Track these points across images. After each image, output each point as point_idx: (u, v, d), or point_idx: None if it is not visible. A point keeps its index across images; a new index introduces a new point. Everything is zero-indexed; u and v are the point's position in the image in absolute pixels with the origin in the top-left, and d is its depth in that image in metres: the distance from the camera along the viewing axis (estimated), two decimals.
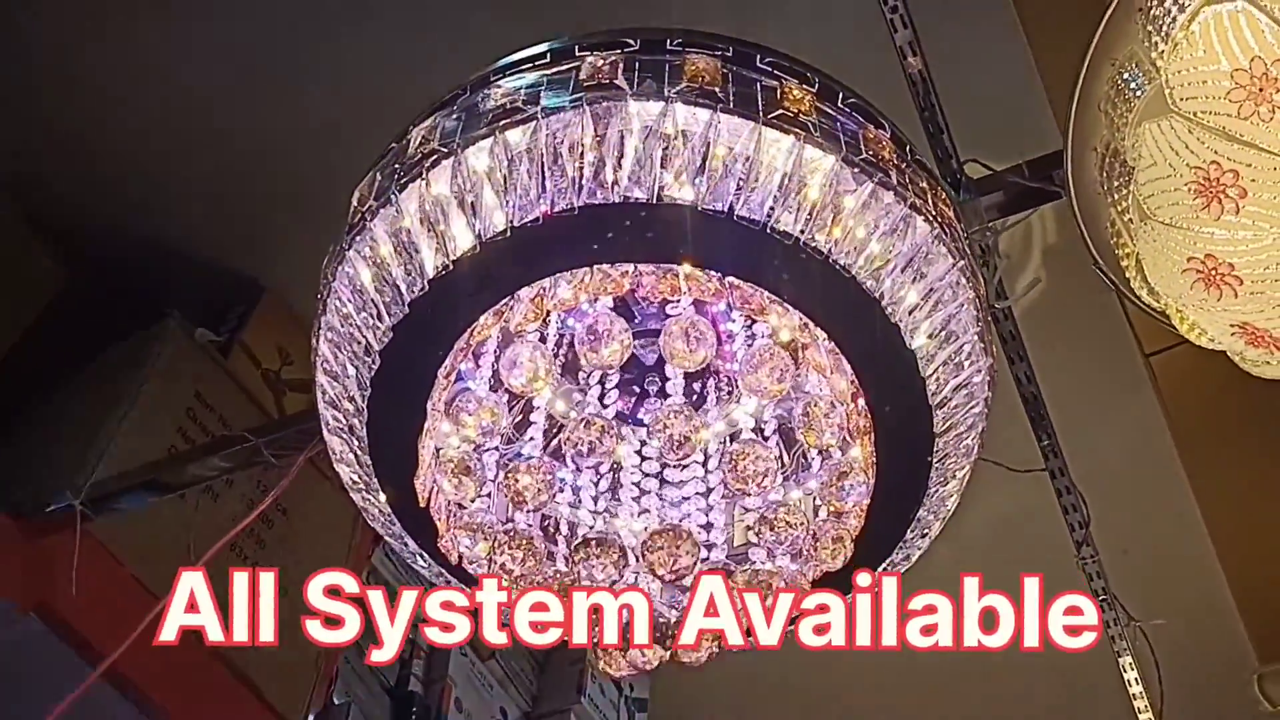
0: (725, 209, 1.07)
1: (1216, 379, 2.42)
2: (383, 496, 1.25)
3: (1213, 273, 1.13)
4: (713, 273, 1.09)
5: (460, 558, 1.21)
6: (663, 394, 1.18)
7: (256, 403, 2.29)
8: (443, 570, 1.32)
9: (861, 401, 1.16)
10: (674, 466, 1.15)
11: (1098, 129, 1.21)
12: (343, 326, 1.18)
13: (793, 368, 1.08)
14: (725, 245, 1.08)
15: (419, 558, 1.32)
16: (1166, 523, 2.71)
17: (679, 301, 1.13)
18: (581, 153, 1.07)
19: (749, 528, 1.13)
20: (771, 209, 1.07)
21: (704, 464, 1.26)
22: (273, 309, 2.51)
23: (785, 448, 1.25)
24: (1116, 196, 1.21)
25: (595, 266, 1.09)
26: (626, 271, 1.09)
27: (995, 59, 1.93)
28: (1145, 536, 2.70)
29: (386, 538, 1.32)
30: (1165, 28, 1.10)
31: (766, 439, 1.19)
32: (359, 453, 1.23)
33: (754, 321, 1.15)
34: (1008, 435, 1.53)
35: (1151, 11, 1.12)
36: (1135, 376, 2.56)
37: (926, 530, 1.29)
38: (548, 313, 1.11)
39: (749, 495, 1.09)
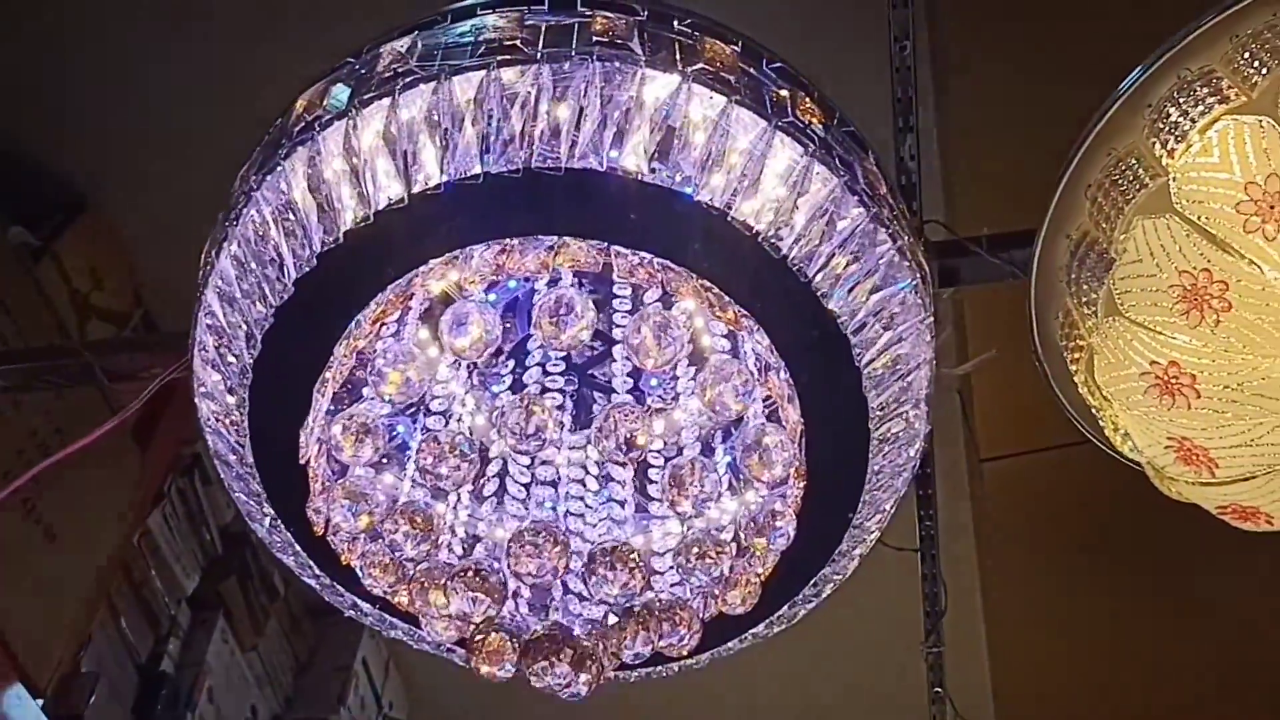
0: (720, 208, 0.98)
1: (1043, 497, 2.49)
2: (248, 445, 1.09)
3: (1172, 381, 1.11)
4: (697, 278, 1.00)
5: (328, 525, 1.06)
6: (607, 389, 1.07)
7: (58, 320, 2.04)
8: (292, 540, 1.17)
9: (803, 445, 1.09)
10: (617, 465, 1.04)
11: (1078, 215, 1.19)
12: (257, 242, 1.02)
13: (756, 390, 0.99)
14: (726, 253, 1.00)
15: (268, 520, 1.16)
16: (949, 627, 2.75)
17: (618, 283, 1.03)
18: (581, 110, 0.97)
19: (674, 552, 1.03)
20: (771, 222, 0.99)
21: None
22: (93, 226, 2.26)
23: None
24: (1085, 286, 1.18)
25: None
26: (554, 246, 0.98)
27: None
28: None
29: (233, 489, 1.15)
30: (1180, 128, 1.08)
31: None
32: (237, 386, 1.06)
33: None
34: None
35: (1165, 109, 1.10)
36: (957, 480, 2.60)
37: (823, 590, 1.22)
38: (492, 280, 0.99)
39: (684, 516, 1.00)
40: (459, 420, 1.09)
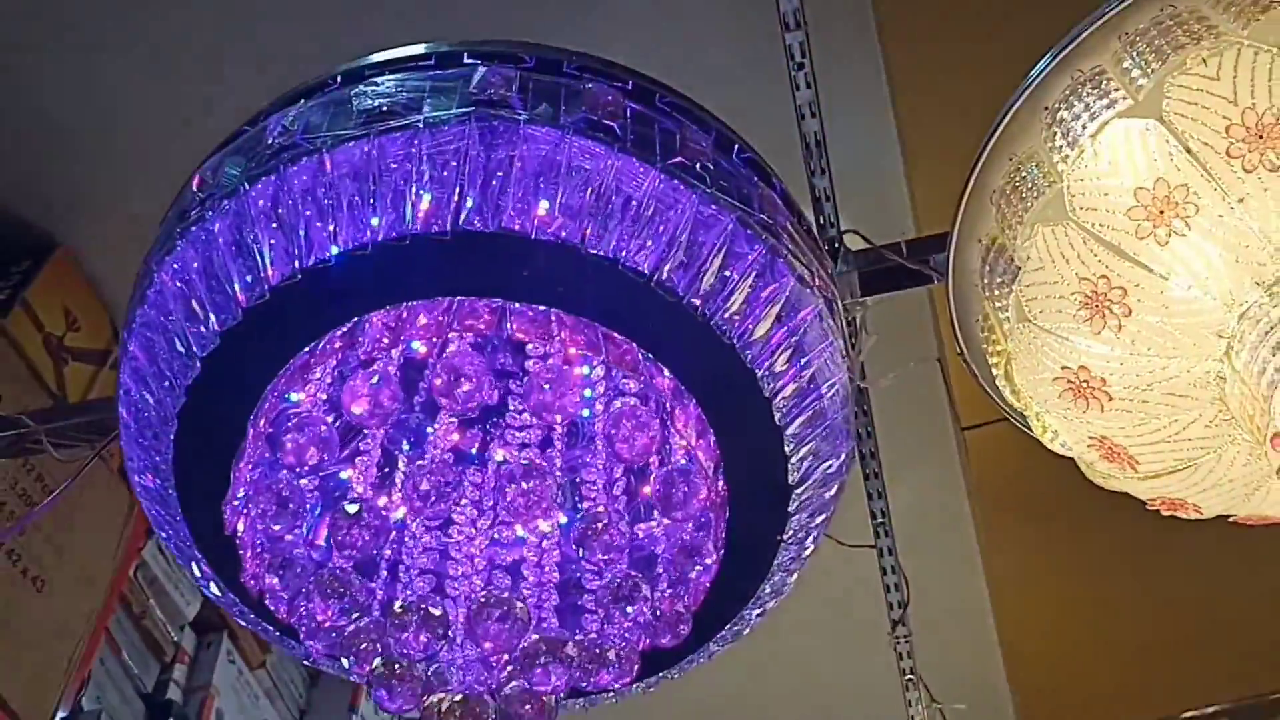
0: (611, 256, 0.99)
1: (1028, 462, 2.49)
2: (182, 520, 1.11)
3: (1084, 385, 1.11)
4: (588, 320, 1.01)
5: (264, 596, 1.09)
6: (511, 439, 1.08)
7: (34, 370, 2.07)
8: (236, 600, 1.19)
9: (720, 477, 1.10)
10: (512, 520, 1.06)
11: (986, 220, 1.19)
12: (161, 326, 1.04)
13: (659, 436, 1.01)
14: (606, 293, 1.01)
15: (212, 585, 1.19)
16: (956, 596, 2.77)
17: (540, 345, 1.04)
18: (463, 173, 0.98)
19: (590, 598, 1.05)
20: (660, 264, 1.00)
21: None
22: (63, 268, 2.28)
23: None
24: (997, 292, 1.19)
25: (463, 299, 1.00)
26: (494, 309, 0.99)
27: (861, 131, 1.92)
28: (929, 603, 2.76)
29: (181, 560, 1.18)
30: (1072, 133, 1.08)
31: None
32: (161, 469, 1.09)
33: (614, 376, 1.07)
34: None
35: (1059, 113, 1.10)
36: (945, 448, 2.61)
37: (763, 607, 1.24)
38: (397, 345, 1.01)
39: (598, 565, 1.02)
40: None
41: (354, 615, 1.00)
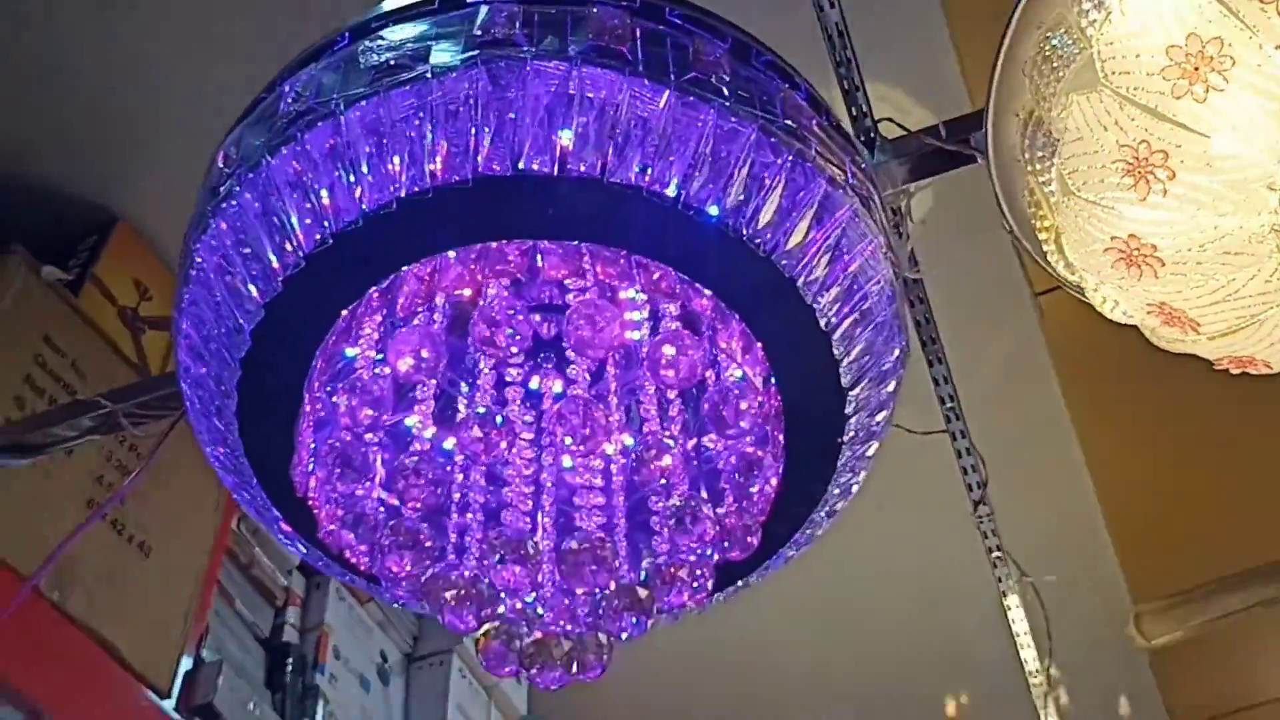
0: (633, 184, 0.98)
1: (1105, 322, 2.44)
2: (258, 484, 1.15)
3: (1135, 253, 1.08)
4: (620, 251, 1.01)
5: (343, 551, 1.12)
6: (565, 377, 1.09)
7: (112, 344, 2.13)
8: (321, 555, 1.23)
9: (773, 386, 1.10)
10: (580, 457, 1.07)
11: (1020, 94, 1.15)
12: (208, 303, 1.06)
13: (708, 357, 1.01)
14: (633, 223, 1.00)
15: (297, 544, 1.23)
16: (1048, 463, 2.75)
17: (576, 281, 1.04)
18: (475, 119, 0.97)
19: (656, 520, 1.07)
20: (684, 184, 0.99)
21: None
22: (127, 240, 2.33)
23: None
24: (1038, 166, 1.15)
25: (491, 244, 1.00)
26: (524, 250, 1.00)
27: (905, 13, 1.86)
28: (1026, 477, 2.75)
29: (264, 523, 1.22)
30: None
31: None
32: (229, 440, 1.12)
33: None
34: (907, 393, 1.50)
35: None
36: (1023, 315, 2.57)
37: (833, 510, 1.25)
38: (437, 294, 1.02)
39: (657, 488, 1.03)
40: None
41: (427, 564, 1.03)
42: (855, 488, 1.24)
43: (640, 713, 3.20)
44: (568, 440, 1.02)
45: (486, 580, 1.02)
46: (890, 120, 1.28)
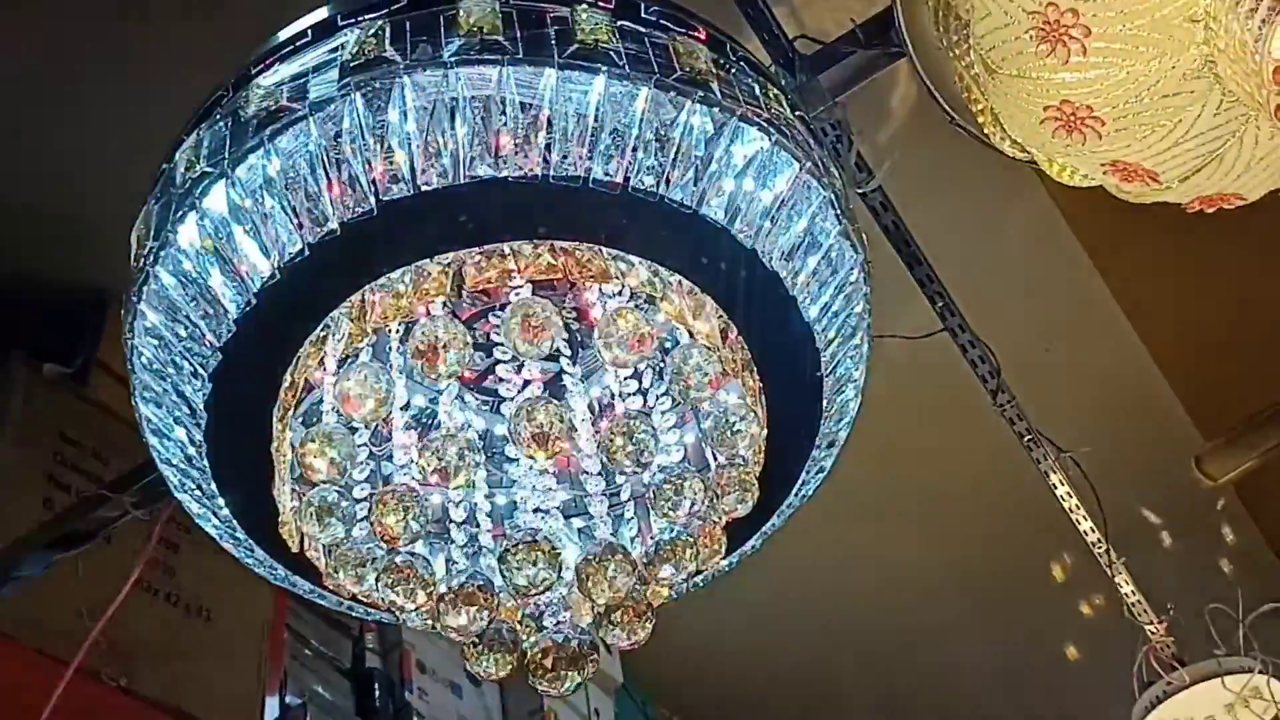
0: (538, 174, 0.96)
1: None
2: (259, 550, 1.15)
3: (1071, 118, 1.04)
4: (537, 243, 0.99)
5: (353, 595, 1.12)
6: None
7: (129, 423, 2.14)
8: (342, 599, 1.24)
9: (734, 337, 1.07)
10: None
11: None
12: (157, 384, 1.06)
13: (650, 329, 0.98)
14: (546, 210, 0.98)
15: (316, 594, 1.23)
16: (1079, 310, 2.69)
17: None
18: (363, 144, 0.95)
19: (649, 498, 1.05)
20: (589, 161, 0.96)
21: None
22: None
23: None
24: (958, 51, 1.11)
25: (413, 265, 0.98)
26: (445, 266, 0.97)
27: None
28: (1063, 328, 2.69)
29: (274, 583, 1.23)
30: None
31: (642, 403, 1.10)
32: (215, 511, 1.12)
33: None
34: (896, 304, 1.46)
35: None
36: (1021, 174, 2.49)
37: (834, 440, 1.22)
38: (376, 328, 1.00)
39: (636, 473, 1.01)
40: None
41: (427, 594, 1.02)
42: (850, 413, 1.21)
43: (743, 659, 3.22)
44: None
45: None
46: (805, 37, 1.23)
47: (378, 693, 2.32)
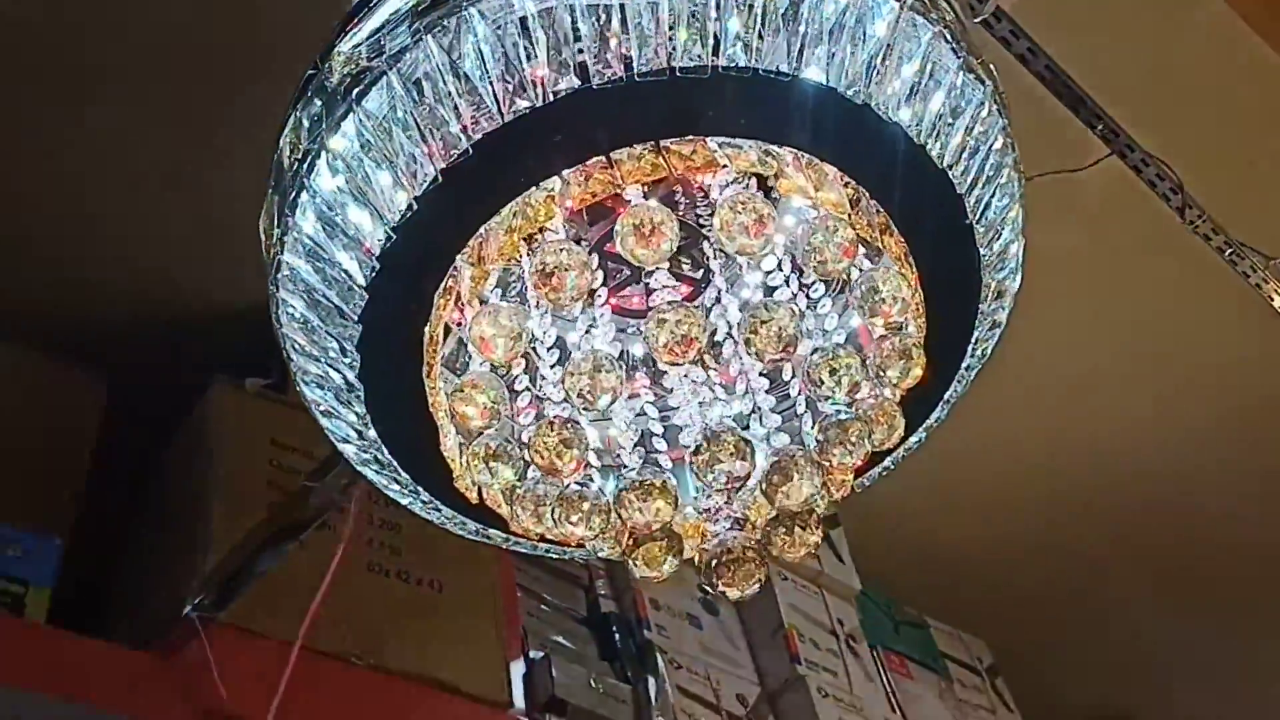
0: (622, 76, 0.92)
1: None
2: (445, 508, 1.18)
3: None
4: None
5: (540, 536, 1.12)
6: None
7: None
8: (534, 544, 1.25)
9: (865, 201, 1.02)
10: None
11: None
12: (314, 367, 1.08)
13: (767, 209, 0.94)
14: (640, 110, 0.94)
15: (512, 542, 1.25)
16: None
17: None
18: (448, 87, 0.93)
19: (805, 384, 1.01)
20: (670, 46, 0.92)
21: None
22: None
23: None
24: None
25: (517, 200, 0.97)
26: (550, 192, 0.96)
27: None
28: (1262, 140, 2.47)
29: (469, 538, 1.25)
30: None
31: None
32: (396, 474, 1.15)
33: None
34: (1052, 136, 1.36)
35: None
36: None
37: (1001, 290, 1.15)
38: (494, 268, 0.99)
39: (779, 362, 0.97)
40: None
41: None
42: (1011, 259, 1.13)
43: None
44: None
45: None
46: None
47: (617, 636, 2.36)
